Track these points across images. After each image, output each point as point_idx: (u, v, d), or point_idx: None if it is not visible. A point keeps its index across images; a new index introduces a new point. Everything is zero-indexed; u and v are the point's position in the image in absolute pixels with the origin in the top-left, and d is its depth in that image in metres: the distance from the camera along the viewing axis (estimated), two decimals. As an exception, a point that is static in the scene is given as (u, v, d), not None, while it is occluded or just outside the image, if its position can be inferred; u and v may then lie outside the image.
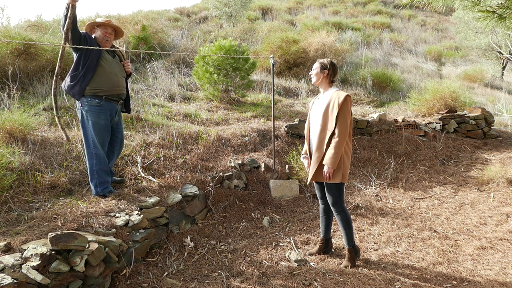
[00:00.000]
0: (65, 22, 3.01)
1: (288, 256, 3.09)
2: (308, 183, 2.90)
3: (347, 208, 4.12)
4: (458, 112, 6.75)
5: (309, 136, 2.95)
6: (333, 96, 2.78)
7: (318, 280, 2.74)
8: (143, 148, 4.20)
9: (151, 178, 3.72)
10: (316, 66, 2.90)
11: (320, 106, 2.85)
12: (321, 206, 3.09)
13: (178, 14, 16.64)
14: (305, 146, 3.01)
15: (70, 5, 3.01)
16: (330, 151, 2.69)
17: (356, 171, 5.22)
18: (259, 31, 12.05)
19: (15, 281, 2.06)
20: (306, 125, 3.02)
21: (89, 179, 3.29)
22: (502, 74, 12.98)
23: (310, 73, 2.94)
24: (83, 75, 3.18)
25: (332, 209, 2.89)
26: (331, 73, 2.87)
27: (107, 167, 3.33)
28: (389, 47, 13.93)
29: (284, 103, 7.34)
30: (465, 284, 2.68)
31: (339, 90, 2.84)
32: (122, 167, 3.86)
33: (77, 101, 3.26)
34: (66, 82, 3.22)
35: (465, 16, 12.77)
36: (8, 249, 2.28)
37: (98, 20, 3.33)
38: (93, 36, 3.29)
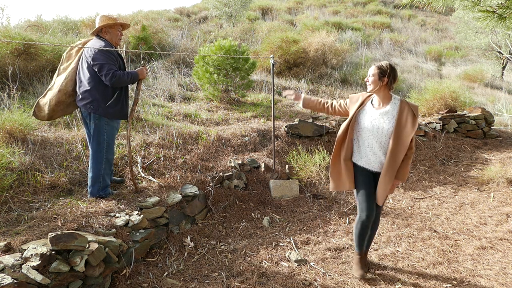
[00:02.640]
0: (128, 80, 3.14)
1: (288, 256, 3.09)
2: (381, 205, 2.59)
3: (347, 209, 4.12)
4: (458, 112, 6.74)
5: (359, 150, 2.60)
6: (403, 108, 2.43)
7: (318, 280, 2.74)
8: (143, 148, 4.20)
9: (151, 178, 3.72)
10: (374, 72, 2.48)
11: (386, 119, 2.46)
12: (367, 219, 2.59)
13: (178, 14, 16.65)
14: (345, 162, 2.63)
15: (141, 79, 3.28)
16: (406, 166, 2.48)
17: (356, 171, 5.22)
18: (259, 31, 12.04)
19: (15, 281, 2.06)
20: (356, 137, 2.61)
21: (91, 183, 3.18)
22: (502, 74, 12.98)
23: (365, 79, 2.55)
24: (125, 94, 3.26)
25: (375, 216, 2.71)
26: (392, 80, 2.47)
27: (110, 170, 3.32)
28: (389, 47, 13.93)
29: (284, 103, 7.34)
30: (465, 284, 2.68)
31: (403, 98, 2.54)
32: (122, 167, 3.86)
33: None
34: (110, 108, 3.10)
35: (465, 16, 12.76)
36: (8, 249, 2.28)
37: (109, 19, 3.14)
38: (106, 38, 3.15)
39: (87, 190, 3.27)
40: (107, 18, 3.14)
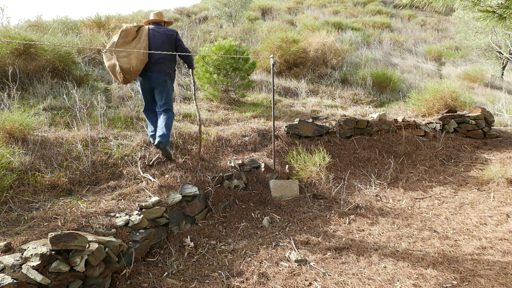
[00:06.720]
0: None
1: (288, 256, 3.09)
2: None
3: (347, 209, 4.12)
4: (458, 112, 6.75)
5: None
6: None
7: (318, 280, 2.74)
8: (143, 148, 4.20)
9: (151, 178, 3.72)
10: None
11: None
12: None
13: (178, 14, 16.63)
14: None
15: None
16: None
17: (356, 171, 5.22)
18: (259, 31, 12.04)
19: (15, 281, 2.06)
20: None
21: (163, 132, 3.69)
22: (502, 74, 12.97)
23: None
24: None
25: None
26: None
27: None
28: (389, 47, 13.93)
29: (284, 103, 7.34)
30: (465, 284, 2.68)
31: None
32: (122, 167, 3.86)
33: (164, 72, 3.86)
34: (174, 73, 4.05)
35: (465, 16, 12.76)
36: (8, 249, 2.29)
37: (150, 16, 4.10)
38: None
39: (154, 139, 3.91)
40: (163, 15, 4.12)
